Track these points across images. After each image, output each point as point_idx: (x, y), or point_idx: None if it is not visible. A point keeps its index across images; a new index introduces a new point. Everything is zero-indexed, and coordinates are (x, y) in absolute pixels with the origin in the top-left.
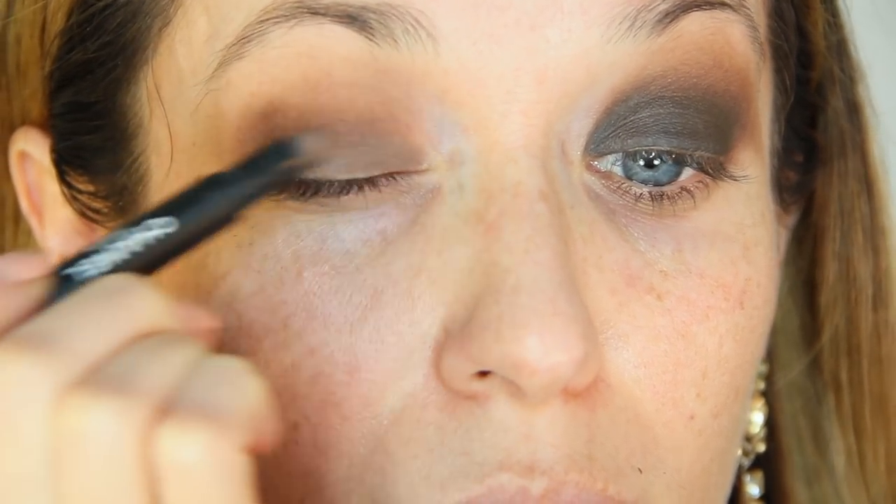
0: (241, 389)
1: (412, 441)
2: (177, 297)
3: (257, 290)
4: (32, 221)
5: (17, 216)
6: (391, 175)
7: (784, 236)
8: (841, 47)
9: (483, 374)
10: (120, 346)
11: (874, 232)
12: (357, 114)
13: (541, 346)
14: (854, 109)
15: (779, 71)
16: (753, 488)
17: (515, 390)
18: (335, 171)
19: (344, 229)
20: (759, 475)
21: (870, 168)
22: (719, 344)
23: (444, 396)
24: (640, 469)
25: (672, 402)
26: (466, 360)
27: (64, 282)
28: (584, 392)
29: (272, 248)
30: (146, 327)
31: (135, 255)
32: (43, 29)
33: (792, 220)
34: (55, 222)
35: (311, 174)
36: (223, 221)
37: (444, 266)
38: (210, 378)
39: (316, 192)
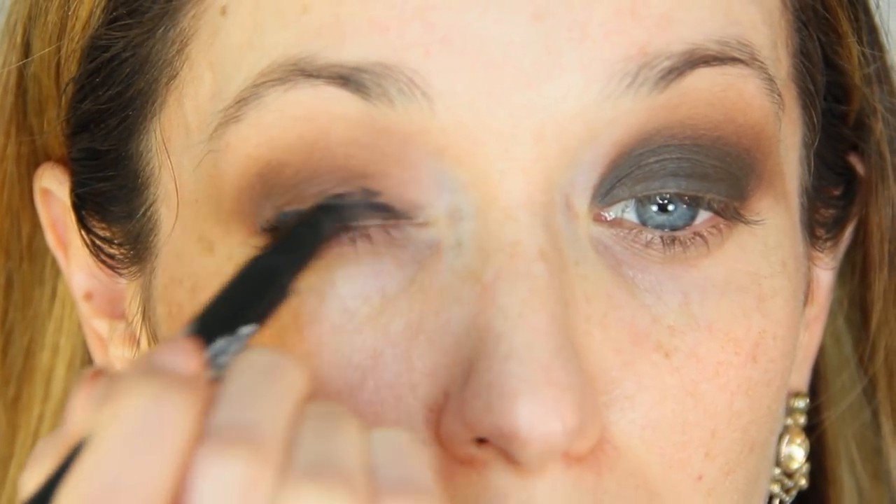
0: (422, 459)
1: None
2: None
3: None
4: (58, 255)
5: (31, 246)
6: (386, 228)
7: (825, 277)
8: (881, 76)
9: (481, 440)
10: (293, 422)
11: None
12: (350, 170)
13: (531, 417)
14: None
15: (806, 109)
16: None
17: (512, 457)
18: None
19: (343, 286)
20: None
21: None
22: (730, 401)
23: (442, 462)
24: None
25: (679, 464)
26: (462, 427)
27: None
28: (588, 456)
29: None
30: (301, 399)
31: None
32: (58, 71)
33: (834, 256)
34: (78, 259)
35: None
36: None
37: (441, 328)
38: (390, 451)
39: None
